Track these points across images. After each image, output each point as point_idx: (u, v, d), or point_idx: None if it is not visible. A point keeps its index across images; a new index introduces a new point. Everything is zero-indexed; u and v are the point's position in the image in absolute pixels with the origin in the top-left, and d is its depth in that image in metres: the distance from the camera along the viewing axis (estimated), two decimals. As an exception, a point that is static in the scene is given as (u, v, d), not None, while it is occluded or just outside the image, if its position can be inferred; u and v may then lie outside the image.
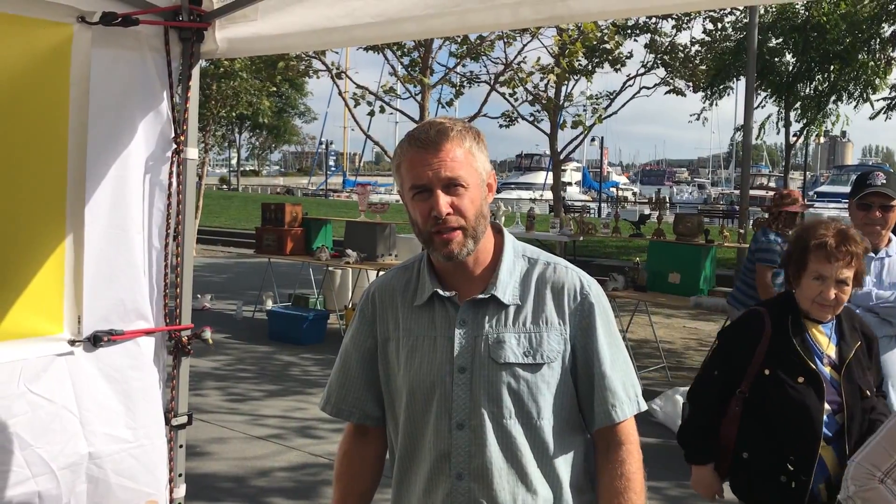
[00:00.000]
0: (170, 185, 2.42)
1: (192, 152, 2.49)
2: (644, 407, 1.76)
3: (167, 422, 2.44)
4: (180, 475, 2.50)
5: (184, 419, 2.48)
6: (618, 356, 1.75)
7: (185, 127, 2.43)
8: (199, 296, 11.51)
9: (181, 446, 2.49)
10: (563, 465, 1.71)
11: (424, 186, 1.66)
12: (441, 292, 1.72)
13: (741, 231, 8.75)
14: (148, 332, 2.37)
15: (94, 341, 2.25)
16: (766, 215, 5.72)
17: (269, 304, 10.65)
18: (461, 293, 1.73)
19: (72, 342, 2.22)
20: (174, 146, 2.41)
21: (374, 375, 1.82)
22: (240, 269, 15.98)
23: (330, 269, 10.58)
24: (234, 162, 56.41)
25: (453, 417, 1.67)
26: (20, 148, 2.09)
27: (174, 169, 2.42)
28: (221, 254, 19.09)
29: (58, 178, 2.17)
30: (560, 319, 1.71)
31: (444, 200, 1.64)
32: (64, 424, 2.14)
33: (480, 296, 1.71)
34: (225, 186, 52.22)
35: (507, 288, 1.72)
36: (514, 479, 1.67)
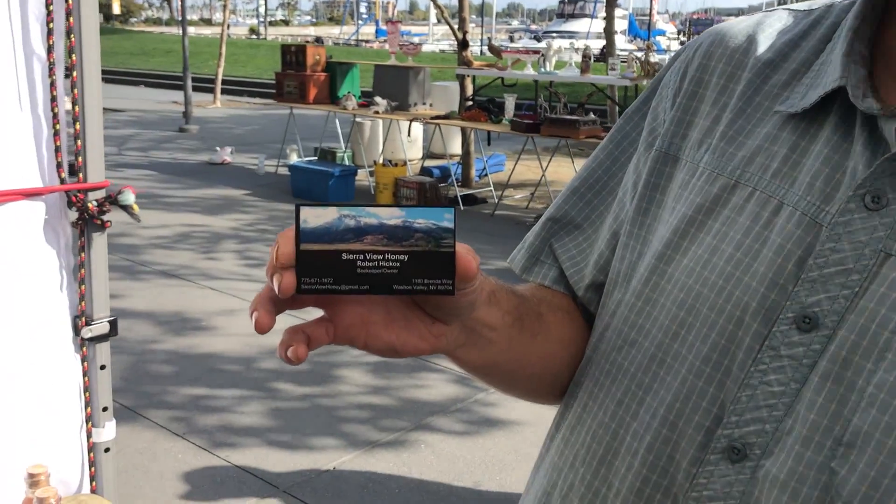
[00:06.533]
0: (49, -50, 1.45)
1: None
2: None
3: (76, 332, 1.59)
4: (105, 409, 1.66)
5: (103, 327, 1.61)
6: None
7: None
8: (218, 148, 10.68)
9: (103, 367, 1.64)
10: None
11: None
12: (859, 100, 0.60)
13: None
14: (29, 195, 1.48)
15: (-71, 210, 1.37)
16: None
17: (294, 159, 9.75)
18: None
19: None
20: None
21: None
22: (264, 120, 15.00)
23: (357, 119, 9.59)
24: (262, 10, 54.05)
25: (727, 435, 0.60)
26: None
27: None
28: (246, 104, 18.10)
29: None
30: None
31: None
32: None
33: None
34: (255, 36, 50.40)
35: None
36: None
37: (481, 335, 0.66)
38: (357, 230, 0.54)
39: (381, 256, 0.54)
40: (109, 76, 21.96)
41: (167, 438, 3.58)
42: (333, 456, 3.47)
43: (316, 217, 0.54)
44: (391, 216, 0.54)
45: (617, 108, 9.57)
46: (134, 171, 9.81)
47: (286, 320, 0.60)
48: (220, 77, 17.14)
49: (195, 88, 14.57)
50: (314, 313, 0.63)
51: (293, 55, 9.46)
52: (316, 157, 9.68)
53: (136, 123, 14.24)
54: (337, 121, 10.13)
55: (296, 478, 3.30)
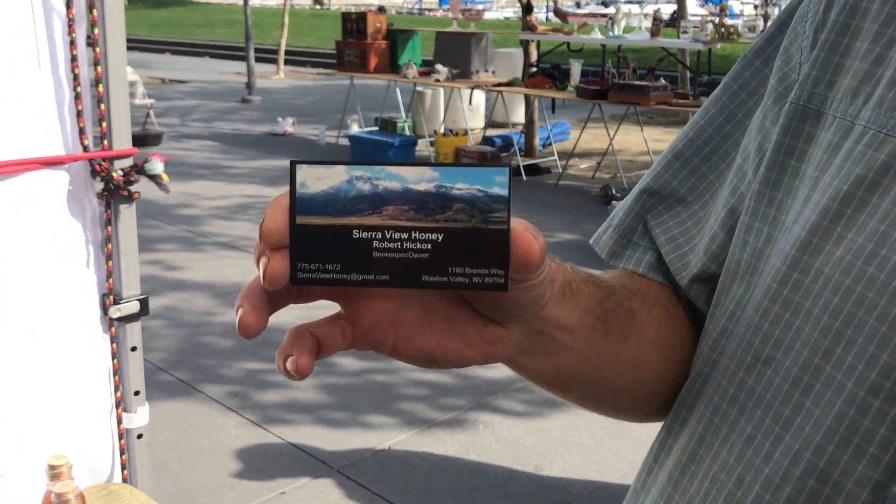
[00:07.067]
0: None
1: None
2: None
3: (104, 312, 1.48)
4: (137, 393, 1.55)
5: (133, 306, 1.50)
6: None
7: None
8: (280, 119, 10.65)
9: (134, 349, 1.52)
10: None
11: None
12: None
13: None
14: (49, 163, 1.36)
15: (-59, 180, 1.26)
16: None
17: (355, 129, 9.65)
18: None
19: None
20: None
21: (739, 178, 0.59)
22: (326, 90, 14.94)
23: (418, 88, 9.42)
24: (326, -20, 54.05)
25: None
26: None
27: None
28: (309, 75, 18.08)
29: None
30: None
31: None
32: None
33: None
34: (318, 6, 50.49)
35: None
36: None
37: (552, 339, 0.49)
38: (374, 198, 0.39)
39: (405, 235, 0.39)
40: (174, 48, 22.24)
41: (222, 413, 3.52)
42: (389, 435, 3.36)
43: (318, 179, 0.39)
44: (420, 178, 0.38)
45: (689, 73, 9.16)
46: (196, 141, 9.85)
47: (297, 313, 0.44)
48: (282, 48, 17.14)
49: (258, 59, 14.59)
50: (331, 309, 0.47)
51: (354, 23, 9.32)
52: (376, 128, 9.57)
53: (200, 94, 14.34)
54: (398, 90, 9.98)
55: (350, 457, 3.20)
